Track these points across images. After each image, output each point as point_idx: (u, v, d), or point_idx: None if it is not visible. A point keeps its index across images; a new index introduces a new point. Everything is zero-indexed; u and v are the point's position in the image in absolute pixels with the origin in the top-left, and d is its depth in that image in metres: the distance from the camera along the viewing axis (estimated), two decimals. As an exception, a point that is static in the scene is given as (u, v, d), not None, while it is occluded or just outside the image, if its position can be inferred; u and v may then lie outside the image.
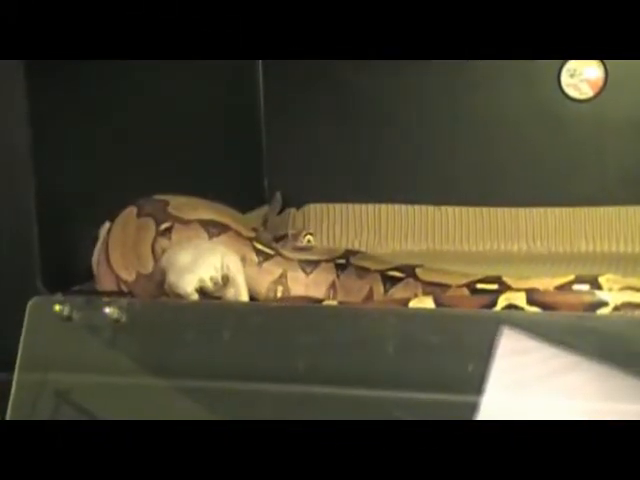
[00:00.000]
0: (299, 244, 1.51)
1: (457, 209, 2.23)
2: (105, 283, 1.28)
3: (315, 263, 1.48)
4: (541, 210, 2.20)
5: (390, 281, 1.35)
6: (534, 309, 1.00)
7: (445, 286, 1.25)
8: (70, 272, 1.37)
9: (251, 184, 2.30)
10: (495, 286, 1.19)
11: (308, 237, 1.52)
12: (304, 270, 1.48)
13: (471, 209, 2.23)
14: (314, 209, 2.27)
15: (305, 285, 1.47)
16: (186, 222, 1.41)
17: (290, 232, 1.56)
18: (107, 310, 1.04)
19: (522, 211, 2.20)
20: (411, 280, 1.32)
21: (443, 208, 2.24)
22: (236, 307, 1.13)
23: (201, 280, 1.21)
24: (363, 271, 1.42)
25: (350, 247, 2.16)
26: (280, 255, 1.48)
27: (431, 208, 2.25)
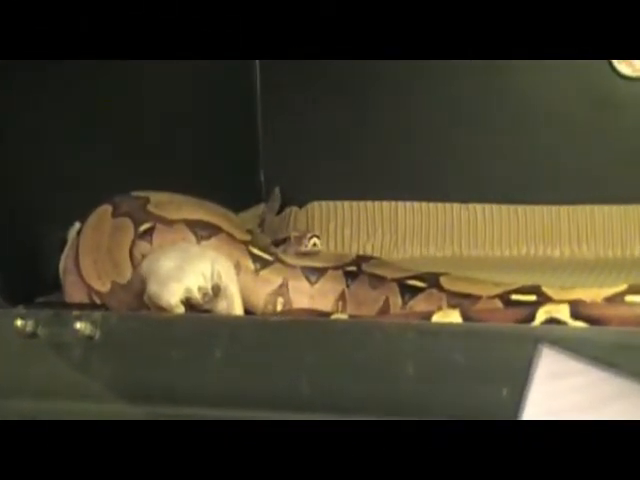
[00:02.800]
0: (303, 248, 1.52)
1: (488, 207, 2.24)
2: (75, 294, 1.29)
3: (321, 271, 1.49)
4: (587, 208, 2.21)
5: (409, 291, 1.36)
6: (579, 324, 1.01)
7: (474, 297, 1.26)
8: (34, 281, 1.38)
9: (245, 179, 2.32)
10: (533, 297, 1.20)
11: (314, 240, 1.52)
12: (308, 279, 1.49)
13: (504, 207, 2.24)
14: (319, 207, 2.28)
15: (310, 296, 1.48)
16: (170, 223, 1.42)
17: (292, 234, 1.56)
18: (77, 325, 1.05)
19: (565, 209, 2.21)
20: (434, 290, 1.32)
21: (471, 206, 2.25)
22: (229, 322, 1.13)
23: (188, 290, 1.22)
24: (377, 280, 1.42)
25: (362, 252, 2.19)
26: (280, 261, 1.49)
27: (457, 206, 2.26)
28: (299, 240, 1.53)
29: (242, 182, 2.31)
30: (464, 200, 2.26)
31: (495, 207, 2.25)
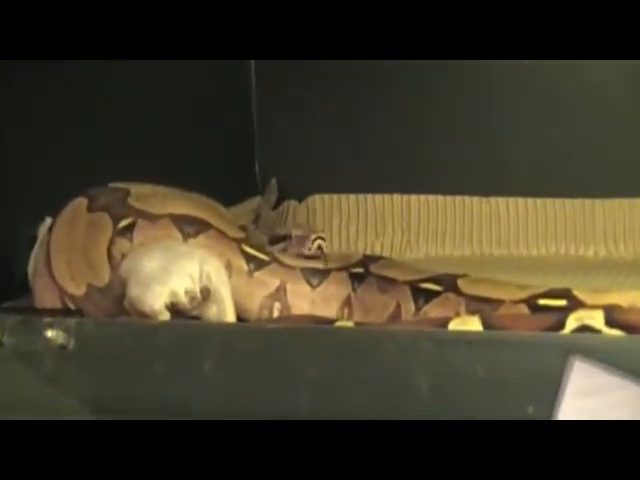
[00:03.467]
0: (306, 251, 1.52)
1: (512, 200, 2.24)
2: (46, 298, 1.30)
3: (324, 272, 1.50)
4: (625, 202, 2.20)
5: (423, 296, 1.36)
6: (614, 332, 1.01)
7: (496, 302, 1.26)
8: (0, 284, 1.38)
9: (238, 169, 2.32)
10: (563, 302, 1.20)
11: (318, 242, 1.52)
12: (309, 281, 1.49)
13: (531, 200, 2.24)
14: (321, 201, 2.28)
15: (311, 301, 1.48)
16: (153, 218, 1.42)
17: (293, 233, 1.55)
18: (49, 333, 1.06)
19: (600, 203, 2.21)
20: (451, 294, 1.33)
21: (493, 200, 2.25)
22: (220, 329, 1.14)
23: (173, 294, 1.22)
24: (387, 283, 1.43)
25: (370, 251, 2.19)
26: (277, 261, 1.49)
27: (477, 200, 2.26)
28: (301, 241, 1.53)
29: (234, 173, 2.31)
30: (485, 193, 2.26)
31: (520, 201, 2.25)
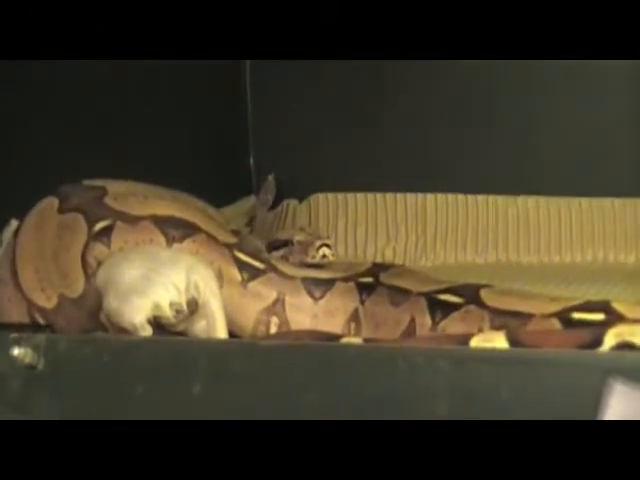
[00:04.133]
0: (309, 260, 1.52)
1: (543, 200, 2.24)
2: (12, 311, 1.30)
3: (328, 283, 1.50)
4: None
5: (441, 309, 1.36)
6: (660, 350, 1.01)
7: (525, 316, 1.26)
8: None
9: (230, 164, 2.33)
10: (600, 316, 1.20)
11: (323, 250, 1.52)
12: (311, 293, 1.50)
13: (564, 200, 2.24)
14: (324, 201, 2.29)
15: (313, 315, 1.49)
16: (133, 220, 1.43)
17: (295, 239, 1.56)
18: (15, 352, 1.05)
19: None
20: (473, 307, 1.33)
21: (521, 199, 2.25)
22: (209, 347, 1.13)
23: (156, 306, 1.23)
24: (400, 294, 1.43)
25: (380, 258, 2.20)
26: (274, 270, 1.50)
27: (503, 199, 2.26)
28: (304, 248, 1.53)
29: (226, 168, 2.32)
30: (512, 191, 2.26)
31: (552, 200, 2.25)
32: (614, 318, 1.17)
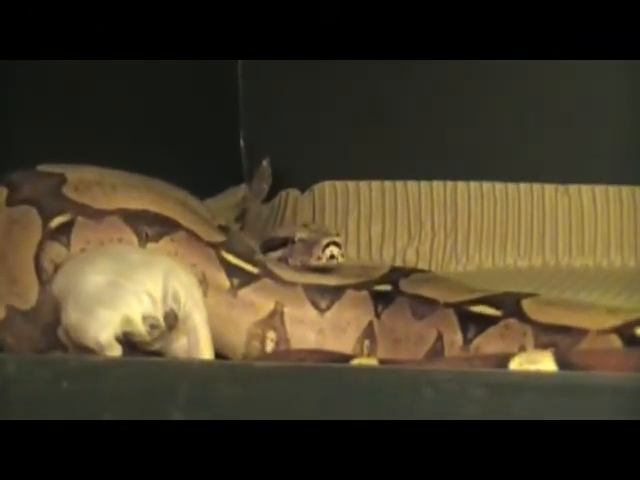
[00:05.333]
0: (314, 262, 1.53)
1: (599, 189, 2.23)
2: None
3: (336, 291, 1.51)
4: None
5: (474, 323, 1.37)
6: None
7: (576, 332, 1.27)
8: None
9: (216, 145, 2.34)
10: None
11: (331, 249, 1.52)
12: (316, 303, 1.50)
13: (626, 189, 2.24)
14: (332, 191, 2.31)
15: (318, 330, 1.49)
16: (98, 214, 1.43)
17: (297, 236, 1.56)
18: (-43, 373, 1.06)
19: None
20: (513, 321, 1.34)
21: (573, 188, 2.25)
22: (191, 370, 1.13)
23: (127, 321, 1.24)
24: (424, 305, 1.44)
25: (400, 262, 2.22)
26: (270, 275, 1.50)
27: (551, 188, 2.27)
28: (308, 248, 1.53)
29: (211, 150, 2.32)
30: (561, 179, 2.28)
31: (612, 189, 2.25)
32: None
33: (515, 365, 1.07)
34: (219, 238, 1.51)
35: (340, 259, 1.53)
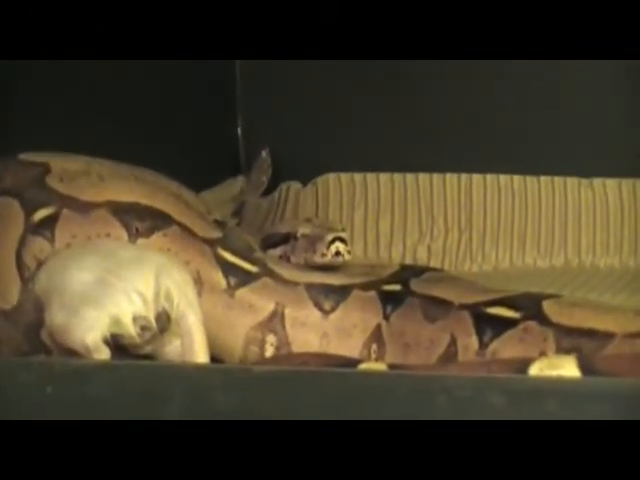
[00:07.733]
0: (318, 259, 1.53)
1: (626, 183, 2.23)
2: None
3: (342, 291, 1.51)
4: None
5: (491, 326, 1.37)
6: None
7: (602, 335, 1.27)
8: None
9: (212, 134, 2.35)
10: None
11: (336, 246, 1.52)
12: (319, 304, 1.51)
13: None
14: (336, 183, 2.31)
15: (322, 334, 1.49)
16: (85, 207, 1.44)
17: (299, 231, 1.56)
18: None
19: None
20: (534, 324, 1.34)
21: (597, 182, 2.25)
22: (186, 374, 1.12)
23: (116, 322, 1.24)
24: (437, 306, 1.44)
25: (410, 260, 2.22)
26: (270, 274, 1.51)
27: (573, 182, 2.26)
28: (311, 244, 1.54)
29: (207, 140, 2.33)
30: (585, 172, 2.27)
31: None
32: None
33: (535, 371, 1.07)
34: (215, 234, 1.52)
35: (346, 256, 1.53)
